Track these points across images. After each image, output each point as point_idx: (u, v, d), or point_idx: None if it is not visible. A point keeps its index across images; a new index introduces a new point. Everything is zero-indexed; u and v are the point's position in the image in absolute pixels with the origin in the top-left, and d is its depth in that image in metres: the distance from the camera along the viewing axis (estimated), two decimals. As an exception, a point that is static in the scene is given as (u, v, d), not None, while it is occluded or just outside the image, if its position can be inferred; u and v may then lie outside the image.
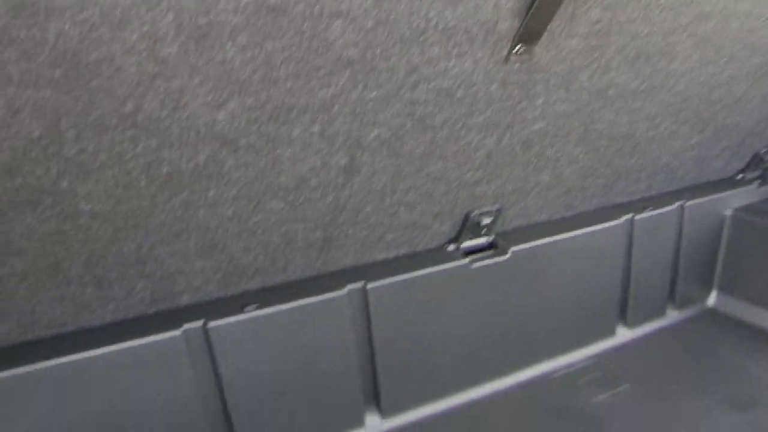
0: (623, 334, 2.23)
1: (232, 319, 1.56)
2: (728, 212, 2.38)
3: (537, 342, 2.03)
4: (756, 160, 2.48)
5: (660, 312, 2.31)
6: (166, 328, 1.52)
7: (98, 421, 1.52)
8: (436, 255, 1.80)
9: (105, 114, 1.10)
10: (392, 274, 1.72)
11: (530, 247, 1.89)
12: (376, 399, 1.82)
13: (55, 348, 1.47)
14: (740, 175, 2.51)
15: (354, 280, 1.68)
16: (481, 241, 1.87)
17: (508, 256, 1.85)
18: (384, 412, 1.83)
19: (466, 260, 1.80)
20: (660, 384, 2.01)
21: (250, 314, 1.57)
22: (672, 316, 2.35)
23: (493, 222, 1.83)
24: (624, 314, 2.22)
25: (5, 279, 1.31)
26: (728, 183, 2.46)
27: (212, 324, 1.54)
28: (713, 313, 2.40)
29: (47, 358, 1.45)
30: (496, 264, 1.85)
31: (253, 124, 1.26)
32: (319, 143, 1.37)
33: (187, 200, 1.31)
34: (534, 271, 1.93)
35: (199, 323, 1.54)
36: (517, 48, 1.43)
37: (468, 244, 1.85)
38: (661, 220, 2.19)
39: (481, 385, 1.95)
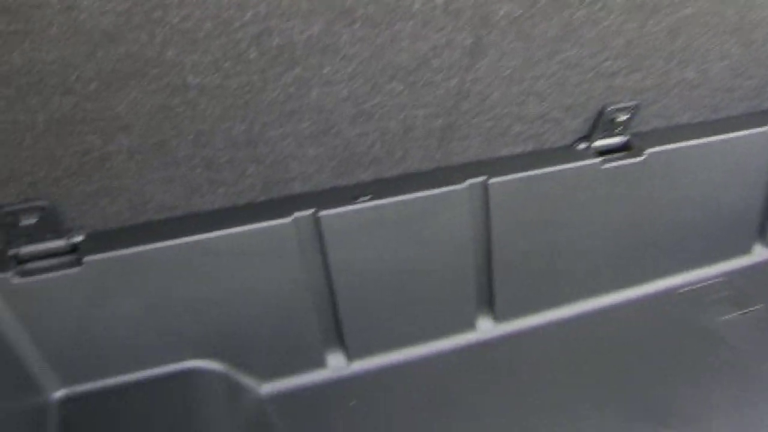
0: (760, 253, 2.04)
1: (343, 209, 1.48)
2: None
3: (664, 254, 1.88)
4: None
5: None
6: (277, 216, 1.46)
7: (205, 305, 1.50)
8: (565, 153, 1.66)
9: (212, -26, 1.01)
10: (517, 170, 1.59)
11: (668, 150, 1.72)
12: (489, 303, 1.73)
13: (166, 231, 1.43)
14: None
15: (475, 175, 1.57)
16: (615, 140, 1.71)
17: (643, 158, 1.69)
18: (497, 317, 1.75)
19: (598, 160, 1.65)
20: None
21: (363, 205, 1.49)
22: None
23: (629, 120, 1.67)
24: (763, 232, 2.03)
25: (113, 156, 1.27)
26: None
27: (323, 213, 1.47)
28: None
29: (158, 240, 1.42)
30: (629, 166, 1.69)
31: (373, -6, 1.14)
32: (442, 19, 1.24)
33: (300, 77, 1.22)
34: (670, 177, 1.76)
35: (309, 212, 1.47)
36: None
37: (600, 143, 1.70)
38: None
39: (600, 296, 1.83)
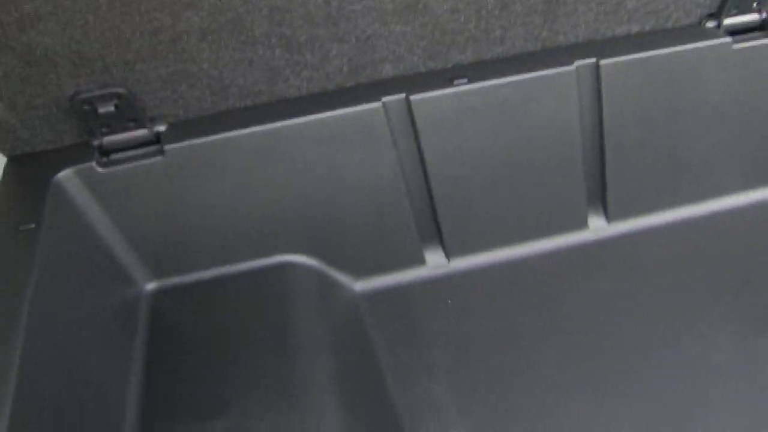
0: None
1: (437, 92, 1.37)
2: None
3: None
4: None
5: None
6: (366, 100, 1.36)
7: (294, 196, 1.44)
8: (690, 31, 1.48)
9: None
10: (632, 51, 1.42)
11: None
12: (602, 199, 1.59)
13: (251, 118, 1.37)
14: None
15: (585, 56, 1.41)
16: (750, 17, 1.50)
17: (778, 36, 1.48)
18: (610, 216, 1.61)
19: (728, 39, 1.46)
20: None
21: (459, 88, 1.37)
22: None
23: (767, -7, 1.46)
24: None
25: (184, 37, 1.20)
26: None
27: (415, 97, 1.36)
28: None
29: (242, 126, 1.35)
30: (766, 47, 1.48)
31: None
32: None
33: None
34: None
35: (401, 96, 1.36)
36: None
37: (732, 20, 1.49)
38: None
39: (726, 196, 1.65)
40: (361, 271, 1.55)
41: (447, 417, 1.31)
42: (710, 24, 1.49)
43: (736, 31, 1.49)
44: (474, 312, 1.49)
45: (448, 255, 1.57)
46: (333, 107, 1.35)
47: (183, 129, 1.36)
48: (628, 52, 1.42)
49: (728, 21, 1.49)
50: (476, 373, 1.38)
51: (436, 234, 1.55)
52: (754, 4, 1.48)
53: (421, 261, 1.56)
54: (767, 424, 1.24)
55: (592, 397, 1.32)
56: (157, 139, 1.35)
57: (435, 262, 1.57)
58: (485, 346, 1.43)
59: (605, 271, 1.55)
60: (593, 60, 1.41)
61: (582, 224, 1.60)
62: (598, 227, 1.60)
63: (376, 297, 1.54)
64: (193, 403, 1.25)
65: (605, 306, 1.48)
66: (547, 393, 1.34)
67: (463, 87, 1.37)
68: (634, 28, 1.46)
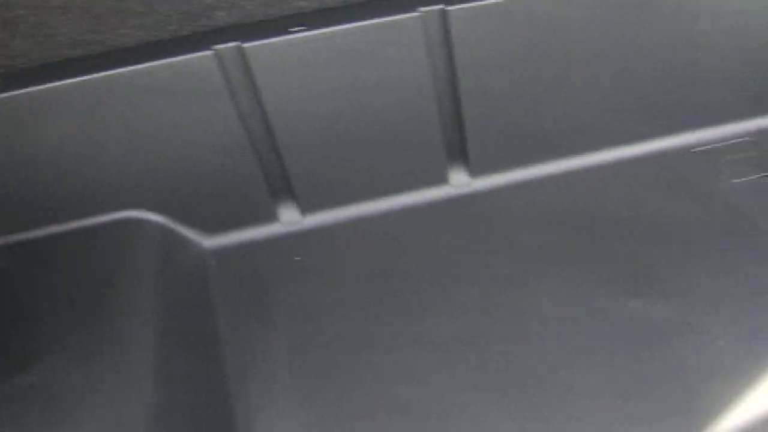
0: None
1: (273, 40, 1.31)
2: None
3: (677, 105, 1.63)
4: None
5: None
6: (197, 49, 1.30)
7: (133, 150, 1.39)
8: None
9: None
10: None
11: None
12: (463, 154, 1.55)
13: (80, 67, 1.31)
14: None
15: (432, 2, 1.36)
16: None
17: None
18: (473, 171, 1.57)
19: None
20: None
21: (297, 35, 1.31)
22: None
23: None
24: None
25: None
26: None
27: (249, 45, 1.30)
28: None
29: (72, 76, 1.29)
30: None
31: None
32: None
33: None
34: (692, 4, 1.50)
35: (233, 44, 1.30)
36: None
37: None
38: None
39: (594, 152, 1.62)
40: (211, 227, 1.50)
41: (279, 382, 1.26)
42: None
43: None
44: (325, 271, 1.45)
45: (302, 211, 1.52)
46: (162, 56, 1.29)
47: (9, 80, 1.30)
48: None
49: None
50: (316, 335, 1.33)
51: (288, 190, 1.50)
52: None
53: (274, 217, 1.52)
54: (611, 383, 1.21)
55: (431, 356, 1.28)
56: (-18, 91, 1.29)
57: (288, 219, 1.52)
58: (332, 307, 1.38)
59: (465, 228, 1.51)
60: (440, 6, 1.36)
61: (442, 179, 1.55)
62: (459, 182, 1.56)
63: (226, 254, 1.50)
64: (1, 357, 1.20)
65: (462, 263, 1.44)
66: (388, 353, 1.29)
67: (301, 34, 1.32)
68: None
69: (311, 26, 1.32)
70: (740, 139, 1.68)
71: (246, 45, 1.30)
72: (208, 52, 1.30)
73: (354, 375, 1.25)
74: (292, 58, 1.33)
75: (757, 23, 1.59)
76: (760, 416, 1.12)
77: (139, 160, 1.39)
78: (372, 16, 1.34)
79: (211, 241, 1.50)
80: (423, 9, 1.35)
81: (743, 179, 1.57)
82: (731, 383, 1.16)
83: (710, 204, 1.52)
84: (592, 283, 1.36)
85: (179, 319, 1.31)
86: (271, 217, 1.52)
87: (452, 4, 1.36)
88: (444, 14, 1.36)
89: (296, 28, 1.32)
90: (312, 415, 1.20)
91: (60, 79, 1.29)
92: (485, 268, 1.42)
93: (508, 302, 1.34)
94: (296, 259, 1.47)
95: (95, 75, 1.30)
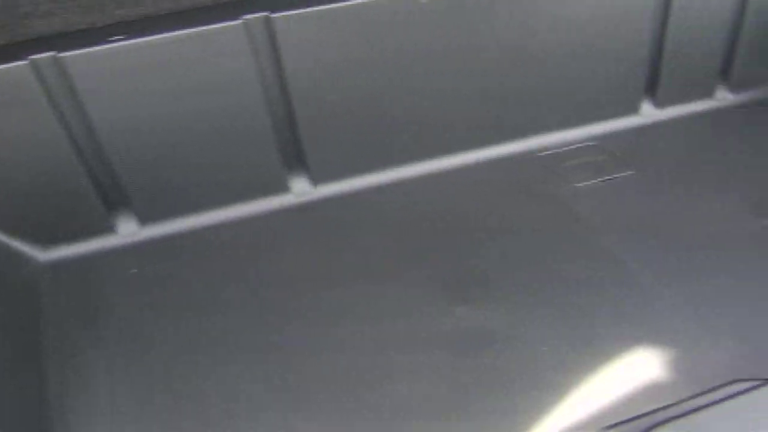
0: (648, 114, 1.82)
1: (93, 49, 1.29)
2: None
3: (524, 110, 1.68)
4: None
5: (704, 91, 1.87)
6: (13, 60, 1.28)
7: None
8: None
9: None
10: (315, 4, 1.39)
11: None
12: (302, 162, 1.55)
13: None
14: None
15: (258, 9, 1.37)
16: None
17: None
18: (315, 179, 1.57)
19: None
20: (674, 176, 1.63)
21: (116, 45, 1.30)
22: (722, 98, 1.90)
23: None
24: (653, 88, 1.80)
25: None
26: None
27: (66, 54, 1.28)
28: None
29: None
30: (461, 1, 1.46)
31: None
32: None
33: None
34: (517, 15, 1.54)
35: (50, 54, 1.28)
36: None
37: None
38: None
39: (439, 157, 1.64)
40: (47, 240, 1.47)
41: (101, 397, 1.23)
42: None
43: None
44: (161, 282, 1.43)
45: (141, 222, 1.50)
46: None
47: None
48: (306, 5, 1.38)
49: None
50: (144, 350, 1.30)
51: (123, 200, 1.48)
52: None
53: (111, 229, 1.50)
54: (434, 387, 1.20)
55: (270, 362, 1.25)
56: None
57: (126, 230, 1.50)
58: (165, 320, 1.35)
59: (305, 236, 1.51)
60: (264, 14, 1.36)
61: (283, 188, 1.55)
62: (301, 191, 1.56)
63: (62, 267, 1.47)
64: None
65: (301, 270, 1.43)
66: (220, 362, 1.26)
67: (122, 43, 1.30)
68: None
69: (132, 35, 1.31)
70: (583, 144, 1.72)
71: (64, 55, 1.28)
72: (24, 63, 1.27)
73: (181, 388, 1.22)
74: (114, 68, 1.32)
75: (596, 33, 1.63)
76: (581, 421, 1.13)
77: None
78: (196, 24, 1.33)
79: (47, 255, 1.47)
80: (247, 16, 1.35)
81: (585, 183, 1.60)
82: (553, 389, 1.17)
83: (551, 208, 1.55)
84: (426, 289, 1.36)
85: (4, 334, 1.28)
86: (107, 228, 1.49)
87: (277, 11, 1.36)
88: (268, 21, 1.36)
89: (117, 37, 1.30)
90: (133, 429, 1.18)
91: None
92: (323, 275, 1.41)
93: (348, 308, 1.34)
94: (132, 271, 1.44)
95: None
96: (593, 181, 1.61)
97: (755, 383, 0.87)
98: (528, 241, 1.46)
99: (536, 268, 1.40)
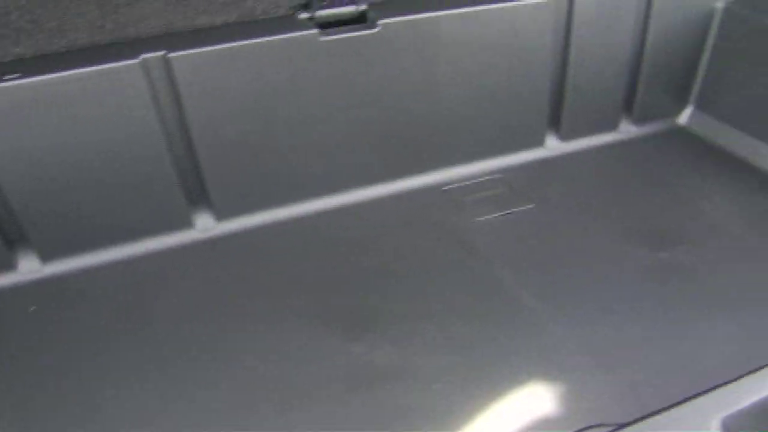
0: (553, 147, 1.87)
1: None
2: (719, 4, 1.89)
3: (424, 146, 1.71)
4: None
5: (609, 125, 1.94)
6: None
7: None
8: (281, 23, 1.46)
9: None
10: (211, 43, 1.40)
11: (411, 21, 1.53)
12: (205, 198, 1.55)
13: None
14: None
15: (155, 49, 1.37)
16: (347, 9, 1.51)
17: (377, 29, 1.50)
18: (219, 214, 1.59)
19: (316, 30, 1.46)
20: (573, 208, 1.68)
21: (9, 83, 1.30)
22: (626, 131, 1.96)
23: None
24: (557, 123, 1.85)
25: None
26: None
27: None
28: (682, 133, 2.00)
29: None
30: (360, 39, 1.50)
31: None
32: None
33: None
34: (418, 53, 1.57)
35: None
36: None
37: (327, 12, 1.50)
38: (617, 2, 1.75)
39: (342, 192, 1.67)
40: None
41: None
42: (304, 15, 1.49)
43: (329, 24, 1.50)
44: (61, 320, 1.42)
45: (43, 259, 1.49)
46: None
47: None
48: (204, 44, 1.39)
49: (323, 12, 1.50)
50: (36, 390, 1.28)
51: (23, 237, 1.47)
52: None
53: (11, 266, 1.48)
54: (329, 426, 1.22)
55: (171, 393, 1.26)
56: None
57: (26, 267, 1.49)
58: (60, 359, 1.33)
59: (210, 271, 1.52)
60: (162, 53, 1.37)
61: (187, 224, 1.56)
62: (204, 227, 1.57)
63: None
64: None
65: (204, 304, 1.44)
66: (119, 404, 1.25)
67: (14, 82, 1.30)
68: (218, 19, 1.44)
69: (25, 74, 1.31)
70: (488, 177, 1.76)
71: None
72: None
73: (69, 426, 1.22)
74: (10, 106, 1.32)
75: (500, 69, 1.67)
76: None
77: None
78: (90, 64, 1.34)
79: None
80: (145, 56, 1.36)
81: (485, 217, 1.64)
82: (444, 424, 1.19)
83: (450, 243, 1.58)
84: (319, 326, 1.37)
85: None
86: (7, 266, 1.48)
87: (177, 50, 1.37)
88: (167, 61, 1.37)
89: (10, 76, 1.30)
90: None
91: None
92: (223, 311, 1.42)
93: (245, 344, 1.35)
94: (32, 308, 1.43)
95: None
96: (493, 215, 1.65)
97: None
98: (425, 276, 1.50)
99: (432, 302, 1.43)
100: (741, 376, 0.90)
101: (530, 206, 1.67)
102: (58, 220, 1.47)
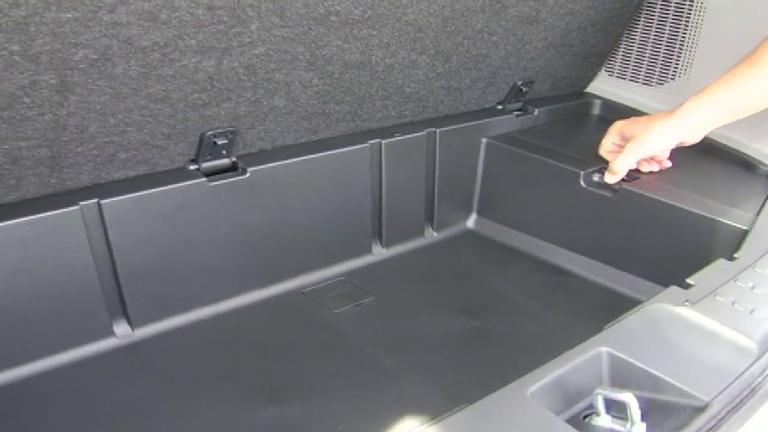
0: (379, 253, 2.41)
1: (-42, 234, 1.63)
2: (484, 140, 2.59)
3: (284, 260, 2.18)
4: (515, 92, 2.70)
5: (418, 233, 2.52)
6: None
7: None
8: (177, 174, 1.91)
9: None
10: (129, 192, 1.82)
11: (271, 168, 2.03)
12: (124, 311, 1.92)
13: None
14: (500, 106, 2.72)
15: (90, 198, 1.77)
16: (223, 161, 1.99)
17: (247, 175, 1.99)
18: (134, 323, 1.94)
19: (204, 179, 1.92)
20: (403, 295, 2.21)
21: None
22: (430, 236, 2.55)
23: (230, 143, 1.95)
24: (380, 234, 2.40)
25: None
26: (488, 113, 2.67)
27: None
28: (471, 234, 2.63)
29: None
30: (236, 183, 1.98)
31: (-55, 43, 1.33)
32: (22, 63, 1.45)
33: None
34: (277, 191, 2.07)
35: None
36: (218, -27, 1.55)
37: (209, 164, 1.97)
38: (412, 144, 2.38)
39: (229, 299, 2.09)
40: None
41: None
42: (192, 167, 1.95)
43: (213, 171, 1.98)
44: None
45: (-9, 373, 1.78)
46: None
47: None
48: (125, 193, 1.82)
49: (206, 164, 1.98)
50: None
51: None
52: (223, 152, 1.97)
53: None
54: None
55: None
56: None
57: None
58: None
59: (128, 375, 1.84)
60: (95, 200, 1.78)
61: (108, 332, 1.91)
62: (123, 333, 1.93)
63: None
64: None
65: (124, 408, 1.73)
66: None
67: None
68: (131, 173, 1.87)
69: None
70: (335, 279, 2.27)
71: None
72: None
73: None
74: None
75: (330, 196, 2.22)
76: None
77: None
78: (35, 213, 1.70)
79: None
80: (82, 203, 1.75)
81: (342, 308, 2.13)
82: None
83: (319, 331, 2.04)
84: (236, 398, 1.78)
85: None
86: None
87: (105, 198, 1.79)
88: (99, 207, 1.78)
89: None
90: None
91: None
92: (145, 410, 1.73)
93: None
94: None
95: None
96: (347, 306, 2.14)
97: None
98: (307, 358, 1.92)
99: (317, 378, 1.84)
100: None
101: (372, 298, 2.18)
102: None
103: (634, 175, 2.34)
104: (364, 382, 1.82)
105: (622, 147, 2.35)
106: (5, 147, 1.59)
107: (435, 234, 2.57)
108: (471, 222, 2.67)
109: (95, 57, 1.54)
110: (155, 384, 1.82)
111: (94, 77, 1.58)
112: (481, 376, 1.83)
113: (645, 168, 2.38)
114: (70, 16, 1.44)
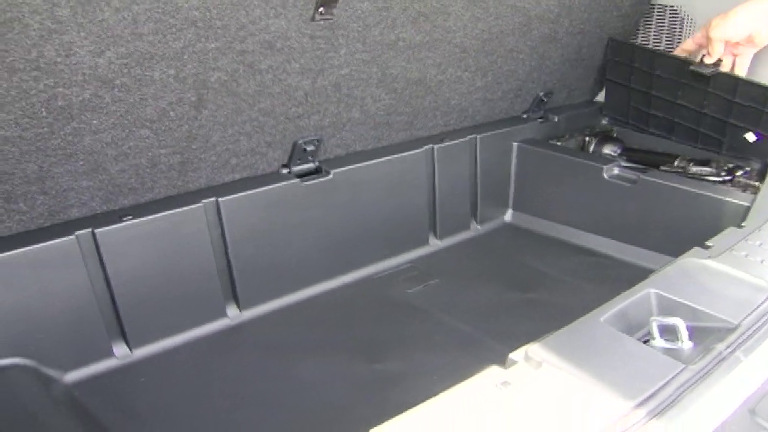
0: (434, 244, 2.80)
1: (113, 226, 1.98)
2: (515, 144, 2.98)
3: (361, 249, 2.56)
4: (537, 102, 3.10)
5: (465, 226, 2.90)
6: (63, 235, 1.93)
7: (8, 311, 1.86)
8: (273, 177, 2.29)
9: (15, 59, 1.53)
10: (239, 192, 2.19)
11: (349, 170, 2.41)
12: (234, 294, 2.28)
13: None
14: (525, 115, 3.12)
15: (208, 197, 2.13)
16: (309, 165, 2.38)
17: (331, 176, 2.36)
18: (242, 305, 2.29)
19: (298, 180, 2.30)
20: (462, 277, 2.59)
21: (127, 222, 2.00)
22: (475, 229, 2.94)
23: (316, 150, 2.33)
24: (434, 227, 2.79)
25: None
26: (516, 121, 3.07)
27: (98, 230, 1.95)
28: (509, 227, 3.01)
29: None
30: (323, 183, 2.36)
31: (125, 68, 1.70)
32: (174, 84, 1.83)
33: (76, 128, 1.74)
34: (354, 190, 2.45)
35: (88, 230, 1.95)
36: (320, 9, 1.93)
37: (298, 168, 2.35)
38: (458, 149, 2.77)
39: (319, 283, 2.46)
40: (69, 365, 2.00)
41: None
42: (284, 171, 2.34)
43: (302, 174, 2.36)
44: (161, 388, 1.99)
45: (131, 346, 2.10)
46: (37, 242, 1.88)
47: None
48: (235, 192, 2.19)
49: (296, 168, 2.36)
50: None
51: (120, 330, 2.09)
52: (309, 157, 2.35)
53: (112, 353, 2.09)
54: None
55: None
56: None
57: (123, 353, 2.10)
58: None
59: (246, 348, 2.18)
60: (213, 199, 2.15)
61: (222, 314, 2.27)
62: (234, 315, 2.29)
63: (84, 385, 1.98)
64: None
65: (248, 375, 2.07)
66: None
67: (130, 221, 2.01)
68: (237, 176, 2.24)
69: (135, 215, 2.03)
70: (403, 266, 2.65)
71: (96, 230, 1.96)
72: (71, 237, 1.92)
73: None
74: (125, 237, 2.00)
75: (396, 196, 2.59)
76: None
77: (10, 317, 1.87)
78: (168, 209, 2.07)
79: (70, 376, 1.99)
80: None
81: (414, 289, 2.51)
82: None
83: (399, 307, 2.40)
84: (337, 356, 2.14)
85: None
86: (110, 353, 2.06)
87: (221, 197, 2.15)
88: (217, 204, 2.15)
89: (125, 218, 2.02)
90: None
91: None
92: (262, 374, 2.08)
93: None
94: (142, 380, 2.01)
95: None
96: (417, 287, 2.51)
97: None
98: (395, 327, 2.28)
99: (409, 341, 2.20)
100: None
101: (437, 280, 2.54)
102: (148, 312, 2.08)
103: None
104: (448, 342, 2.19)
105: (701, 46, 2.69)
106: (150, 154, 1.96)
107: (479, 227, 2.95)
108: (508, 216, 3.06)
109: (226, 78, 1.92)
110: (269, 354, 2.15)
111: (222, 95, 1.96)
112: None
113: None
114: (213, 45, 1.82)
